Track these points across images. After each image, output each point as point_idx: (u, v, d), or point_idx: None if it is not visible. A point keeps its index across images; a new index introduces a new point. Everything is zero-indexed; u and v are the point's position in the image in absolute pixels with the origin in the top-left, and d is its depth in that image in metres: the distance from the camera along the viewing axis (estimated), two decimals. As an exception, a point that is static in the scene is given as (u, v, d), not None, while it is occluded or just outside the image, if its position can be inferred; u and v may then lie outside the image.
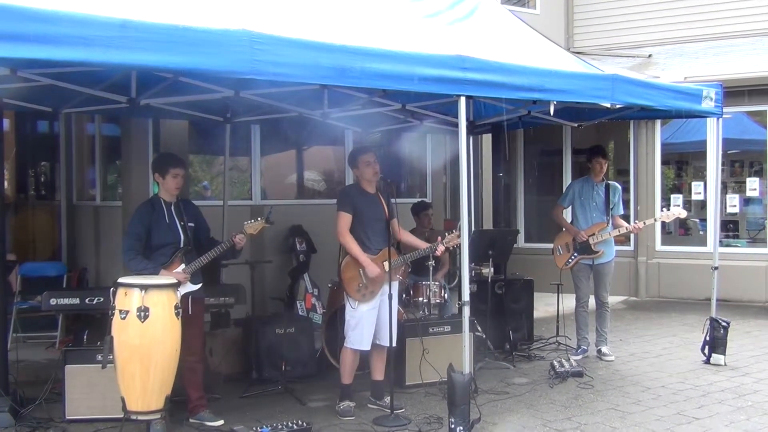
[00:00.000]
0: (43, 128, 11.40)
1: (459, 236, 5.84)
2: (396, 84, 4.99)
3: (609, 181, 8.02)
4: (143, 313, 4.89)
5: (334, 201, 6.25)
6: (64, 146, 10.33)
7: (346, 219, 6.04)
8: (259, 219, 5.89)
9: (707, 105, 7.04)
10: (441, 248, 6.27)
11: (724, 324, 7.50)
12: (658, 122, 11.97)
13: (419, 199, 9.71)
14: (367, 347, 6.04)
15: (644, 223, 8.15)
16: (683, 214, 8.17)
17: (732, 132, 11.04)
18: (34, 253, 10.32)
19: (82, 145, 10.37)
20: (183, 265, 5.65)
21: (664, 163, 12.32)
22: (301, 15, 5.16)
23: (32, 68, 5.23)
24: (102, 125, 10.03)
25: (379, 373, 6.24)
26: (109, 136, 10.02)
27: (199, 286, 5.76)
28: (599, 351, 7.88)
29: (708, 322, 7.59)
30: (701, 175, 12.12)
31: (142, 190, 8.49)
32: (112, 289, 5.09)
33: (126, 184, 9.03)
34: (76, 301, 6.49)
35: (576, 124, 8.53)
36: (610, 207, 7.85)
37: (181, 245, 5.70)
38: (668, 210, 8.09)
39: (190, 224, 5.81)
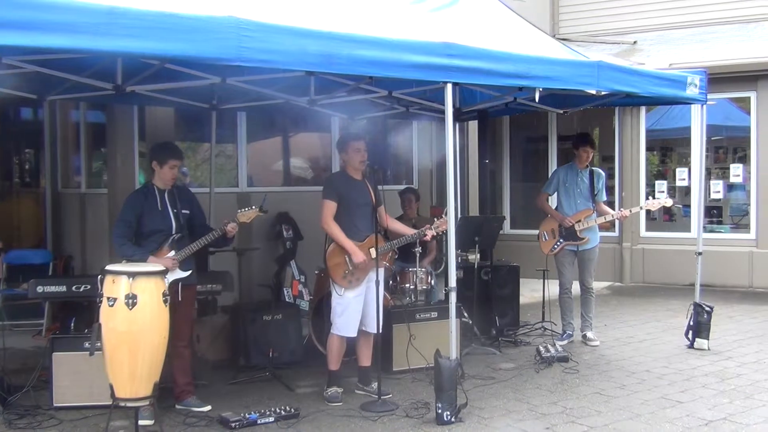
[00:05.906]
0: (28, 115, 11.30)
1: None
2: (383, 71, 5.00)
3: (593, 168, 8.06)
4: (131, 300, 4.88)
5: (321, 188, 6.25)
6: (48, 133, 10.26)
7: (330, 207, 6.03)
8: (252, 207, 5.86)
9: (692, 92, 7.09)
10: (430, 233, 6.28)
11: (707, 309, 7.57)
12: (643, 109, 12.02)
13: (406, 186, 9.71)
14: (353, 334, 6.06)
15: (630, 211, 8.17)
16: (669, 202, 8.23)
17: (716, 118, 11.11)
18: (19, 240, 10.27)
19: (67, 133, 10.30)
20: (173, 252, 5.65)
21: (648, 149, 12.38)
22: (288, 2, 5.15)
23: (17, 55, 5.20)
24: (87, 112, 9.96)
25: (366, 359, 6.26)
26: (94, 123, 9.95)
27: (189, 272, 5.76)
28: (584, 336, 7.94)
29: (692, 307, 7.65)
30: (685, 161, 12.20)
31: (128, 178, 8.46)
32: (99, 276, 5.07)
33: (111, 172, 8.97)
34: (63, 288, 6.48)
35: (561, 111, 8.57)
36: (595, 193, 7.90)
37: (173, 232, 5.69)
38: (654, 198, 8.13)
39: (184, 211, 5.79)
